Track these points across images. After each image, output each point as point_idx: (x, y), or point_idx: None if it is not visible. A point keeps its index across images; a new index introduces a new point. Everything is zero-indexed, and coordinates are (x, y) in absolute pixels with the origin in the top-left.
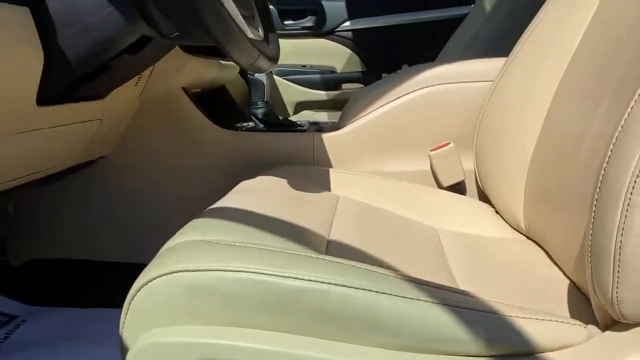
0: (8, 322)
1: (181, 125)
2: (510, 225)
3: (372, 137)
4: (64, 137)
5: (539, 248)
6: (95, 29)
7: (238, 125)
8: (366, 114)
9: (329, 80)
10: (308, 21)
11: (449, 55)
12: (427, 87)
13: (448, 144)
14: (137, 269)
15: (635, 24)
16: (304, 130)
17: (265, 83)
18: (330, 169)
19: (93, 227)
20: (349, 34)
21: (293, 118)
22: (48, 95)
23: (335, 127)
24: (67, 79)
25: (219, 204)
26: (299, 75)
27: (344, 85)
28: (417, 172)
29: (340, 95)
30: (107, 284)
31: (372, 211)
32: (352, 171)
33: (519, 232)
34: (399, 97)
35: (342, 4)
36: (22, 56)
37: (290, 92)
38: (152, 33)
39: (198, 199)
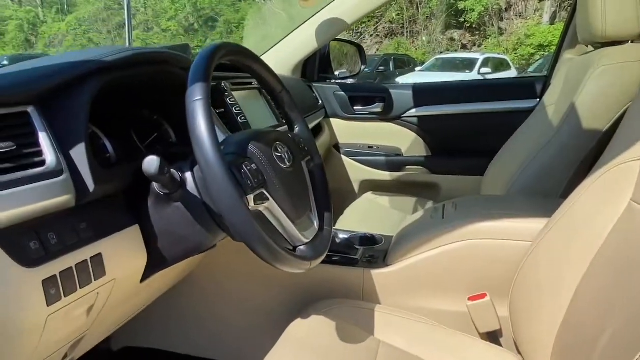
0: None
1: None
2: None
3: (416, 277)
4: (160, 284)
5: None
6: (186, 240)
7: None
8: (412, 256)
9: (393, 162)
10: (376, 107)
11: (506, 163)
12: (468, 240)
13: (485, 295)
14: None
15: None
16: (357, 262)
17: None
18: (377, 307)
19: (178, 324)
20: (415, 119)
21: (356, 202)
22: (146, 277)
23: (384, 262)
24: (163, 268)
25: None
26: (365, 156)
27: (408, 168)
28: (456, 313)
29: (404, 177)
30: None
31: None
32: (398, 307)
33: None
34: (442, 246)
35: (409, 92)
36: (131, 258)
37: (356, 172)
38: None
39: (262, 313)
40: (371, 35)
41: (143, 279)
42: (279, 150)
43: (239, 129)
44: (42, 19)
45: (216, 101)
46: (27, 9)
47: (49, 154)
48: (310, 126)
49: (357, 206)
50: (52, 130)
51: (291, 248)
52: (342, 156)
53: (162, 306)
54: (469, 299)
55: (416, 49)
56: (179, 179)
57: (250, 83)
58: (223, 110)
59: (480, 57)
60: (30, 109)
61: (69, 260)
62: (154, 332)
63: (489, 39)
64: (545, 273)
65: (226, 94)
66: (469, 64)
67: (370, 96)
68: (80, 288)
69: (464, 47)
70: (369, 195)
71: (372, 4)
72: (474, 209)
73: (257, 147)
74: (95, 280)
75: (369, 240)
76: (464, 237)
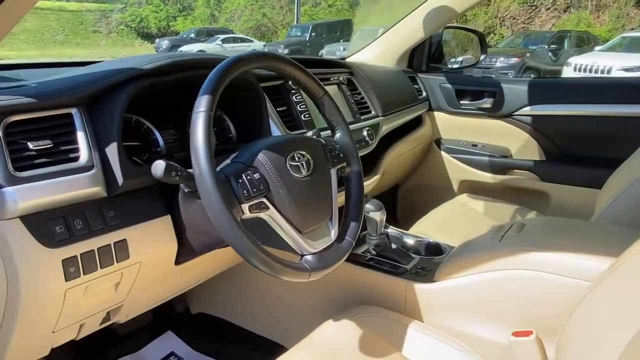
0: None
1: None
2: None
3: (459, 299)
4: (202, 267)
5: None
6: (208, 233)
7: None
8: (458, 276)
9: (498, 164)
10: (485, 102)
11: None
12: (520, 269)
13: (530, 333)
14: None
15: None
16: (403, 273)
17: (377, 221)
18: (412, 323)
19: (239, 300)
20: (529, 118)
21: (448, 203)
22: (181, 262)
23: (430, 277)
24: (193, 257)
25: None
26: (467, 154)
27: (514, 171)
28: (497, 345)
29: (508, 181)
30: (251, 349)
31: None
32: (438, 326)
33: None
34: (491, 271)
35: (524, 87)
36: (161, 244)
37: (456, 170)
38: None
39: (304, 307)
40: (547, 9)
41: (177, 263)
42: (297, 159)
43: (302, 127)
44: None
45: (281, 99)
46: None
47: (84, 151)
48: (408, 118)
49: (448, 207)
50: (92, 130)
51: (299, 256)
52: (442, 152)
53: (227, 282)
54: (513, 334)
55: (600, 25)
56: None
57: (329, 79)
58: (286, 108)
59: None
60: (73, 111)
61: (93, 243)
62: (221, 304)
63: None
64: (600, 320)
65: (292, 91)
66: None
67: (479, 90)
68: (100, 268)
69: None
70: (464, 197)
71: None
72: (538, 236)
73: (267, 156)
74: (117, 262)
75: (433, 249)
76: (515, 265)
